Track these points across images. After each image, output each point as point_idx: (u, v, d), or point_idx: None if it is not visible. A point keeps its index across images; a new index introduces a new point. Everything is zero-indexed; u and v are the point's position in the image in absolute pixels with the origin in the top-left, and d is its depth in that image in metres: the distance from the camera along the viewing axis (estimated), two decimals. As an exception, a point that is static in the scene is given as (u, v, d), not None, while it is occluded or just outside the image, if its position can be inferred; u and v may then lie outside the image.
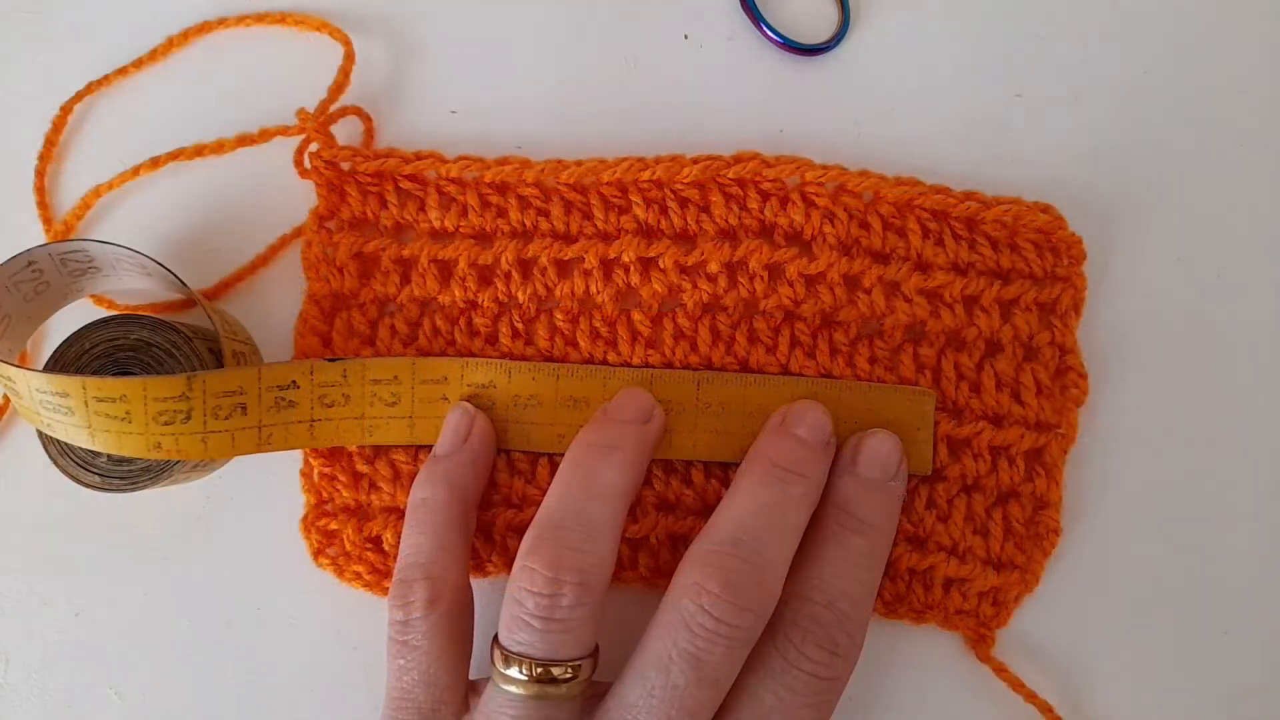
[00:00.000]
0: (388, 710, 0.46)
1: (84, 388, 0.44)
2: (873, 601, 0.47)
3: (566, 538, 0.44)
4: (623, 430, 0.48)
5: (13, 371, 0.45)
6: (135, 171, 0.54)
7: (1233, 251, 0.55)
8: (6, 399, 0.54)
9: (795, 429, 0.48)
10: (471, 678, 0.48)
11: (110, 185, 0.54)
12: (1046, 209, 0.52)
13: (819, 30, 0.57)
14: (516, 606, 0.44)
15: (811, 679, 0.44)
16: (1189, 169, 0.56)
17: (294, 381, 0.49)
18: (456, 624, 0.47)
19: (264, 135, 0.54)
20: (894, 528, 0.49)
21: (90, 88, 0.55)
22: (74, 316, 0.51)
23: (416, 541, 0.48)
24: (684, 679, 0.42)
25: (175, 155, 0.54)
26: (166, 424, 0.45)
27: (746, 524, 0.45)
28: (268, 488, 0.54)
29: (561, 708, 0.44)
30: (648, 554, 0.51)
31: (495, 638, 0.45)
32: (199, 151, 0.54)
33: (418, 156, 0.53)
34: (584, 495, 0.46)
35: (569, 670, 0.43)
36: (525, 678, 0.43)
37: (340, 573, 0.52)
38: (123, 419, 0.45)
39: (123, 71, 0.56)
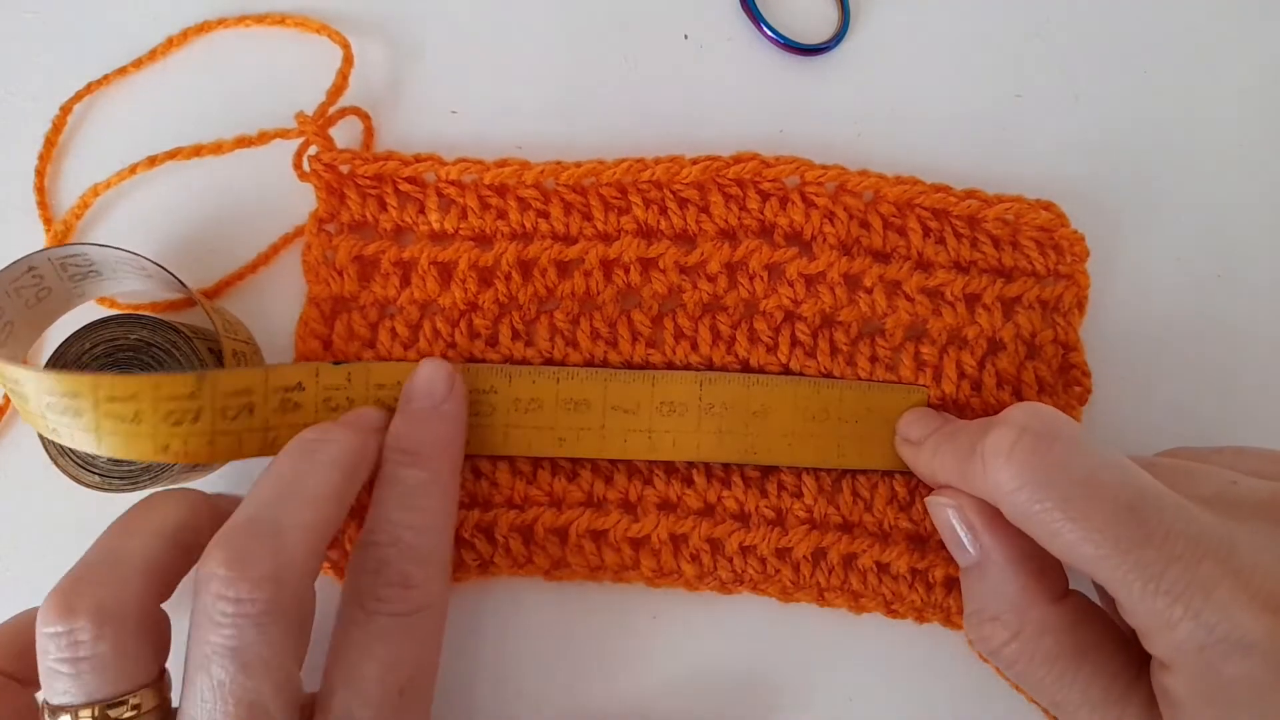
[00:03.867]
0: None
1: (96, 387, 0.42)
2: (449, 525, 0.45)
3: (79, 573, 0.41)
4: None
5: (21, 373, 0.43)
6: (132, 170, 0.53)
7: (1233, 251, 0.54)
8: (6, 398, 0.52)
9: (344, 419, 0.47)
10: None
11: (108, 184, 0.53)
12: (1048, 206, 0.51)
13: (819, 30, 0.56)
14: (44, 657, 0.40)
15: (394, 619, 0.41)
16: (1189, 169, 0.55)
17: (300, 384, 0.47)
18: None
19: (263, 138, 0.53)
20: (453, 448, 0.47)
21: (90, 88, 0.54)
22: (74, 315, 0.50)
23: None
24: (226, 673, 0.38)
25: (173, 155, 0.53)
26: (176, 424, 0.44)
27: (257, 499, 0.42)
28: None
29: None
30: (649, 554, 0.50)
31: (44, 702, 0.41)
32: (197, 151, 0.53)
33: (417, 159, 0.51)
34: (107, 537, 0.43)
35: (126, 709, 0.40)
36: None
37: (340, 573, 0.50)
38: (132, 420, 0.43)
39: (122, 72, 0.54)
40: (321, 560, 0.42)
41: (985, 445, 0.41)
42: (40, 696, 0.41)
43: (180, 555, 0.43)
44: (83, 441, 0.43)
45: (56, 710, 0.39)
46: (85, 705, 0.39)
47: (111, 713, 0.39)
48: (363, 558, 0.42)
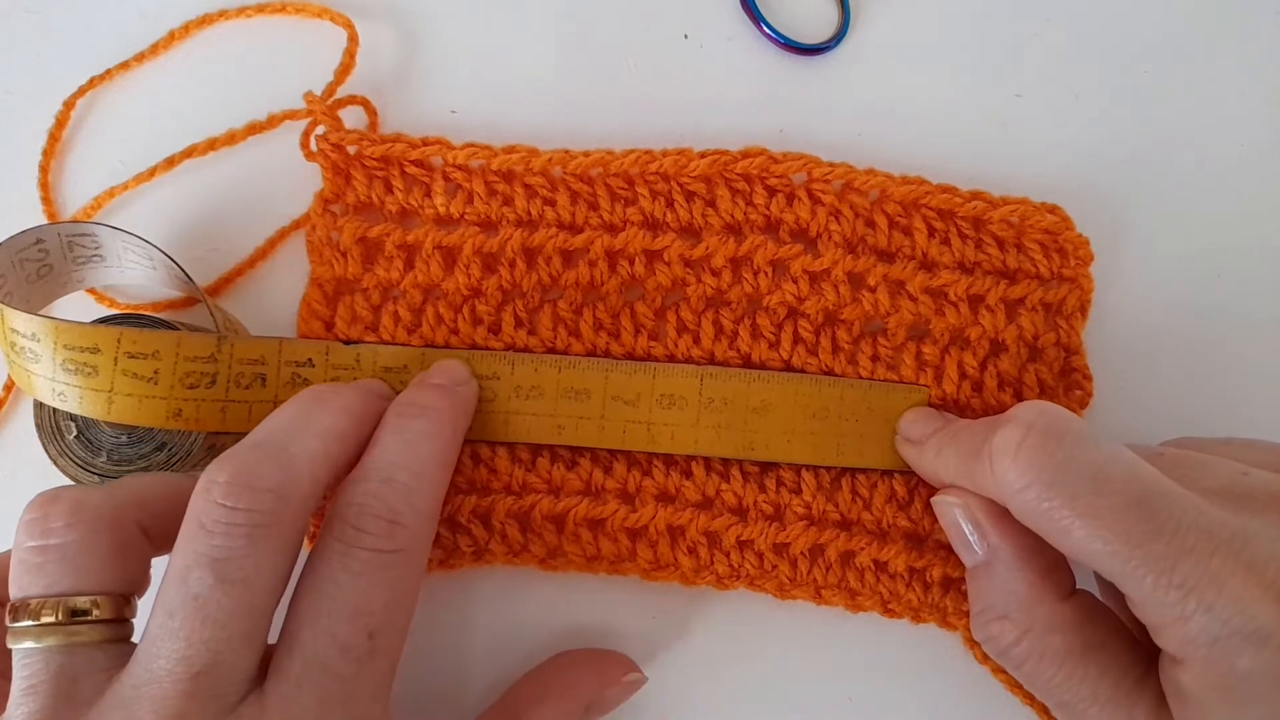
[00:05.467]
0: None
1: (118, 341, 0.42)
2: (444, 478, 0.44)
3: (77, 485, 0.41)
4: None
5: (41, 325, 0.42)
6: (152, 173, 0.52)
7: (1233, 252, 0.53)
8: (5, 390, 0.51)
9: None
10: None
11: (125, 186, 0.52)
12: (1054, 210, 0.50)
13: (819, 30, 0.55)
14: (16, 549, 0.39)
15: (374, 555, 0.39)
16: (1188, 168, 0.54)
17: (310, 359, 0.47)
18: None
19: (273, 121, 0.52)
20: (461, 421, 0.46)
21: (92, 83, 0.53)
22: (73, 315, 0.48)
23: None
24: (203, 585, 0.36)
25: (189, 153, 0.52)
26: (191, 387, 0.44)
27: (267, 428, 0.41)
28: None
29: (79, 655, 0.37)
30: (646, 545, 0.49)
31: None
32: (212, 145, 0.52)
33: (424, 142, 0.50)
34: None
35: (89, 617, 0.38)
36: (31, 624, 0.37)
37: None
38: (149, 379, 0.43)
39: (124, 66, 0.53)
40: (321, 496, 0.40)
41: (992, 444, 0.41)
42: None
43: (171, 506, 0.40)
44: (92, 405, 0.42)
45: (20, 607, 0.38)
46: (49, 599, 0.37)
47: (76, 618, 0.37)
48: (350, 493, 0.40)
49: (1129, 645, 0.42)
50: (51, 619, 0.37)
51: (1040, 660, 0.42)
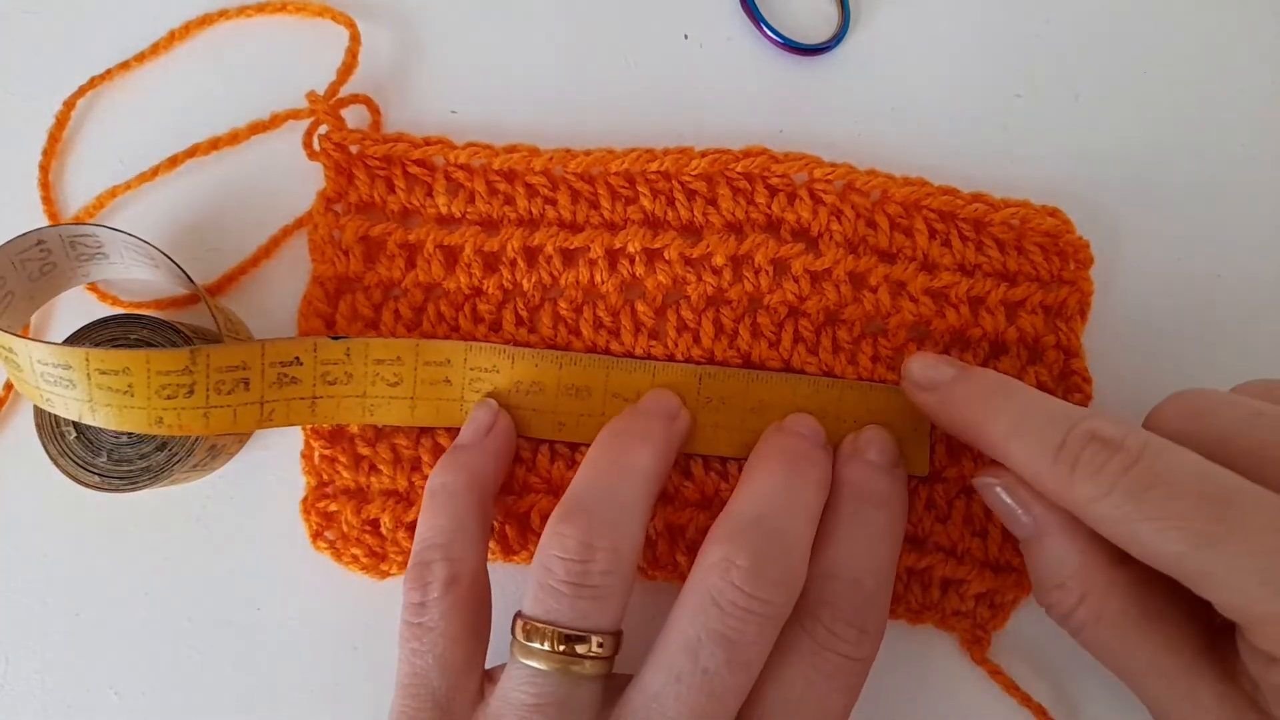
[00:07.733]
0: (399, 699, 0.42)
1: (87, 359, 0.41)
2: (893, 580, 0.44)
3: (598, 510, 0.41)
4: (650, 422, 0.45)
5: (14, 342, 0.42)
6: (154, 172, 0.51)
7: (1233, 252, 0.53)
8: (5, 390, 0.50)
9: (796, 428, 0.46)
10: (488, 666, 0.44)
11: (128, 185, 0.51)
12: (1054, 212, 0.50)
13: (819, 30, 0.55)
14: (545, 574, 0.40)
15: (843, 660, 0.41)
16: (1188, 168, 0.53)
17: (297, 358, 0.46)
18: (474, 608, 0.43)
19: (275, 120, 0.51)
20: (905, 512, 0.46)
21: (93, 82, 0.52)
22: (75, 315, 0.49)
23: (435, 524, 0.44)
24: (714, 662, 0.38)
25: (192, 152, 0.51)
26: (169, 398, 0.43)
27: (767, 503, 0.42)
28: (267, 488, 0.51)
29: (583, 687, 0.40)
30: (645, 544, 0.48)
31: (518, 612, 0.41)
32: (214, 145, 0.51)
33: (426, 142, 0.50)
34: (614, 476, 0.43)
35: (593, 646, 0.39)
36: (548, 649, 0.39)
37: (338, 555, 0.49)
38: (125, 392, 0.42)
39: (125, 66, 0.53)
40: None
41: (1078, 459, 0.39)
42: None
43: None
44: (76, 412, 0.42)
45: (534, 628, 0.40)
46: (574, 630, 0.39)
47: (578, 647, 0.39)
48: (821, 589, 0.42)
49: (1189, 615, 0.40)
50: (570, 654, 0.39)
51: (1099, 625, 0.41)
